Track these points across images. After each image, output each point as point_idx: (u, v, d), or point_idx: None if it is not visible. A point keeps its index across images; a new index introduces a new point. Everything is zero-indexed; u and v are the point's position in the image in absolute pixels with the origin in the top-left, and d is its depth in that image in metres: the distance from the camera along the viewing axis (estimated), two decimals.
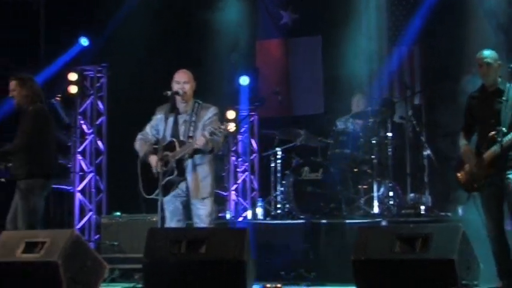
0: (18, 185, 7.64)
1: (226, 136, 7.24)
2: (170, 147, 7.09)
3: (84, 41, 12.25)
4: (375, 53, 11.68)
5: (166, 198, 7.11)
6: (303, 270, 8.98)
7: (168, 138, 7.16)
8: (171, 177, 7.04)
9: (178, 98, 7.20)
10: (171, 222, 7.16)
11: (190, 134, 7.14)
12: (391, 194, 10.03)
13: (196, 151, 7.06)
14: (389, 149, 10.11)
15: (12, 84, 7.88)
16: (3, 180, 7.68)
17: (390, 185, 10.05)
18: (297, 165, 10.30)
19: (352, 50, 11.16)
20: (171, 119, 7.20)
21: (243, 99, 12.13)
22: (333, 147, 10.28)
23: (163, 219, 7.11)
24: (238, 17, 11.96)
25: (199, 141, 6.96)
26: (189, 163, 7.10)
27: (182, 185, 7.15)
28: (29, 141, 7.61)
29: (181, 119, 7.21)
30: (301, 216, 9.78)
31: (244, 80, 12.03)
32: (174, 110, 7.20)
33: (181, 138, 7.15)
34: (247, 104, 12.22)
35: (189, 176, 7.12)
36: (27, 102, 7.82)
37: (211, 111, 7.22)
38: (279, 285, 7.63)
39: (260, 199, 11.19)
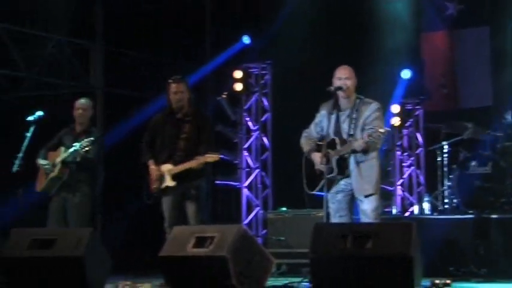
0: (189, 187, 7.77)
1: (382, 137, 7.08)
2: (332, 145, 7.09)
3: (246, 39, 12.45)
4: None
5: (330, 194, 7.12)
6: (472, 266, 8.78)
7: (331, 136, 7.16)
8: (331, 175, 7.05)
9: (340, 94, 7.17)
10: (334, 218, 7.16)
11: (351, 132, 7.09)
12: None
13: (355, 151, 7.02)
14: None
15: (180, 86, 7.84)
16: (172, 185, 7.77)
17: None
18: (464, 159, 10.06)
19: None
20: (333, 116, 7.18)
21: (404, 93, 11.97)
22: (502, 140, 9.97)
23: (328, 214, 7.13)
24: (402, 10, 11.80)
25: (357, 145, 6.91)
26: (351, 160, 7.07)
27: (346, 181, 7.13)
28: None
29: (343, 115, 7.18)
30: (470, 211, 9.55)
31: (405, 74, 11.87)
32: (336, 107, 7.18)
33: (343, 135, 7.12)
34: (409, 98, 12.05)
35: (352, 173, 7.08)
36: (189, 104, 7.91)
37: (372, 108, 7.12)
38: (448, 281, 7.46)
39: (427, 194, 11.01)
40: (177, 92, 7.83)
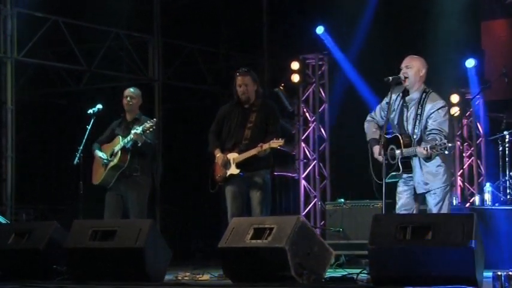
0: (253, 176, 7.75)
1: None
2: (395, 141, 6.96)
3: (319, 29, 12.32)
4: None
5: (399, 189, 6.98)
6: None
7: (395, 126, 7.01)
8: (395, 173, 6.93)
9: (404, 84, 7.05)
10: (399, 211, 7.03)
11: (416, 130, 6.94)
12: None
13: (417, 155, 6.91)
14: None
15: (245, 79, 7.79)
16: (236, 173, 7.76)
17: None
18: None
19: None
20: (399, 107, 7.04)
21: (470, 82, 11.78)
22: None
23: (386, 204, 7.02)
24: None
25: (420, 154, 6.77)
26: (416, 159, 6.92)
27: (410, 177, 7.00)
28: None
29: (409, 108, 7.01)
30: None
31: (470, 63, 11.68)
32: (403, 97, 7.05)
33: (407, 130, 6.95)
34: (476, 87, 11.84)
35: (418, 171, 6.92)
36: (256, 96, 7.86)
37: (436, 106, 6.89)
38: (511, 273, 7.34)
39: (488, 184, 10.86)
40: (241, 84, 7.83)
